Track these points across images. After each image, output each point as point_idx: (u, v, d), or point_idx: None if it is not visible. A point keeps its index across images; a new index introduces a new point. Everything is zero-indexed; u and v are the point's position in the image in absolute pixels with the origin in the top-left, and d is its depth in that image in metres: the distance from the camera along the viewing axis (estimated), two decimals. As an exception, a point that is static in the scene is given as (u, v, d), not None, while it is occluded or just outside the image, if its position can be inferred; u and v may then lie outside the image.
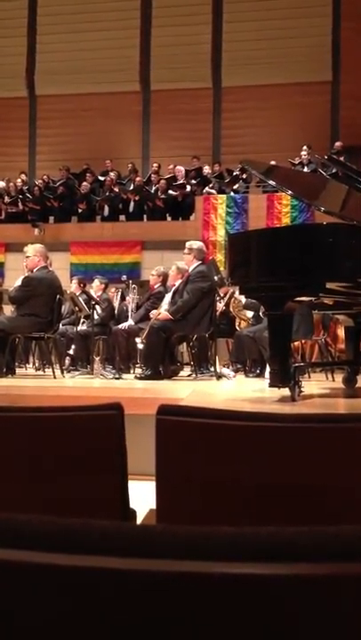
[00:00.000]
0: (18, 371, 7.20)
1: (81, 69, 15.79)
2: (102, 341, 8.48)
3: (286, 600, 0.48)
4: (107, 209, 13.77)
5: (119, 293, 9.74)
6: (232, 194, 13.19)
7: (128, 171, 14.46)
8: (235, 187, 13.29)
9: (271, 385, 4.42)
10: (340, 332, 7.99)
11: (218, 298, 7.52)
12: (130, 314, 8.07)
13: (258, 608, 0.48)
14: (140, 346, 7.18)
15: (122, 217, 13.84)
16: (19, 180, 14.74)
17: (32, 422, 1.51)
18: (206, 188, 13.43)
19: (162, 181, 13.50)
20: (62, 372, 6.99)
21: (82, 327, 8.03)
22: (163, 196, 13.37)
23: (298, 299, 4.38)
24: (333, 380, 6.73)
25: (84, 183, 13.99)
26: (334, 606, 0.48)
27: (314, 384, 6.15)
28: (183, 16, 15.34)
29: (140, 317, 7.62)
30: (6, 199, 14.36)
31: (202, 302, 6.52)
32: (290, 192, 5.40)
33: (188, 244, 6.91)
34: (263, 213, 12.72)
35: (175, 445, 1.32)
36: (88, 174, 14.30)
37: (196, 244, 6.90)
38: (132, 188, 13.78)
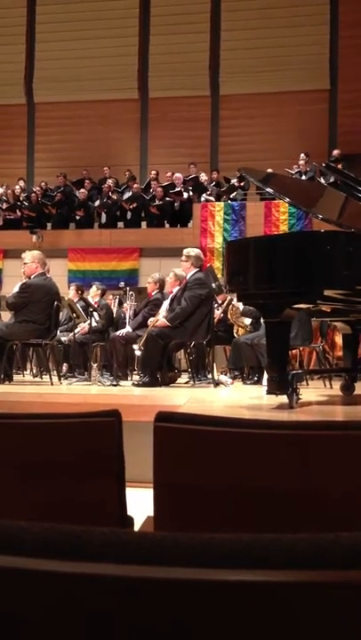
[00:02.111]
0: (15, 377, 7.19)
1: (79, 77, 15.85)
2: (100, 348, 8.48)
3: (285, 607, 0.48)
4: (104, 216, 13.80)
5: (117, 300, 9.74)
6: (230, 201, 13.22)
7: (126, 178, 14.50)
8: (232, 195, 13.33)
9: (269, 392, 4.42)
10: (338, 340, 8.00)
11: (216, 305, 7.53)
12: (127, 320, 8.07)
13: (257, 615, 0.48)
14: (138, 352, 7.18)
15: (120, 224, 13.86)
16: (17, 187, 14.76)
17: (30, 429, 1.51)
18: (204, 195, 13.46)
19: (158, 189, 13.54)
20: (60, 379, 6.98)
21: (84, 324, 8.00)
22: (159, 202, 13.39)
23: (296, 306, 4.38)
24: (331, 388, 6.73)
25: (82, 190, 14.01)
26: (334, 614, 0.48)
27: (312, 391, 6.16)
28: (181, 24, 15.42)
29: (137, 324, 7.61)
30: (4, 206, 14.38)
31: (200, 309, 6.53)
32: (288, 200, 5.42)
33: (185, 252, 6.92)
34: (261, 221, 12.74)
35: (173, 452, 1.32)
36: (87, 181, 14.33)
37: (194, 252, 6.91)
38: (130, 194, 13.80)
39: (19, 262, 7.42)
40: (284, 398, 4.32)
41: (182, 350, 7.37)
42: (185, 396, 5.23)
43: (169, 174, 13.98)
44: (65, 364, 8.24)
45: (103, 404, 4.58)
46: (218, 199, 13.40)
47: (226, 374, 7.87)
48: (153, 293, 7.66)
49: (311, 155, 13.15)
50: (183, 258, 6.86)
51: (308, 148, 13.52)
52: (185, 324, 6.47)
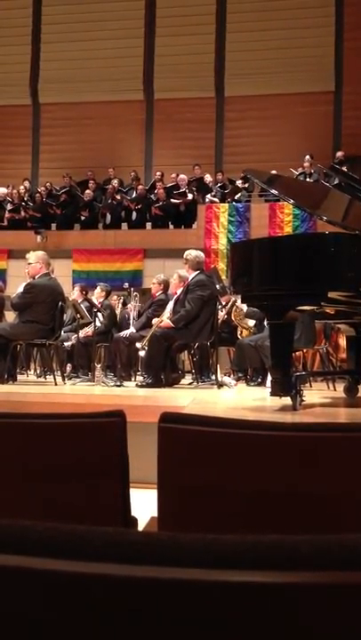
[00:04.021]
0: (19, 377, 7.20)
1: (85, 78, 15.87)
2: (104, 349, 8.49)
3: (289, 609, 0.48)
4: (109, 216, 13.81)
5: (121, 301, 9.75)
6: (234, 202, 13.23)
7: (130, 179, 14.51)
8: (236, 196, 13.33)
9: (273, 394, 4.42)
10: (342, 342, 7.99)
11: (220, 306, 7.52)
12: (131, 321, 8.08)
13: (260, 616, 0.48)
14: (142, 353, 7.19)
15: (124, 225, 13.88)
16: (22, 188, 14.79)
17: (33, 429, 1.51)
18: (208, 196, 13.46)
19: (160, 190, 13.54)
20: (63, 379, 6.99)
21: (87, 329, 8.01)
22: (161, 203, 13.39)
23: (300, 308, 4.38)
24: (335, 390, 6.72)
25: (87, 191, 14.04)
26: (337, 615, 0.48)
27: (315, 393, 6.15)
28: (187, 26, 15.43)
29: (141, 325, 7.62)
30: (9, 206, 14.40)
31: (203, 311, 6.53)
32: (292, 201, 5.41)
33: (185, 254, 6.93)
34: (265, 222, 12.74)
35: (177, 453, 1.32)
36: (91, 182, 14.36)
37: (192, 255, 6.88)
38: (134, 195, 13.82)
39: (23, 262, 7.44)
40: (287, 400, 4.31)
41: (186, 351, 7.38)
42: (188, 398, 5.23)
43: (174, 175, 13.99)
44: (69, 365, 8.25)
45: (107, 405, 4.59)
46: (222, 200, 13.40)
47: (229, 376, 7.87)
48: (157, 294, 7.67)
49: (316, 156, 13.15)
50: (183, 260, 6.90)
51: (312, 149, 13.52)
52: (189, 325, 6.48)
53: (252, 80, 15.13)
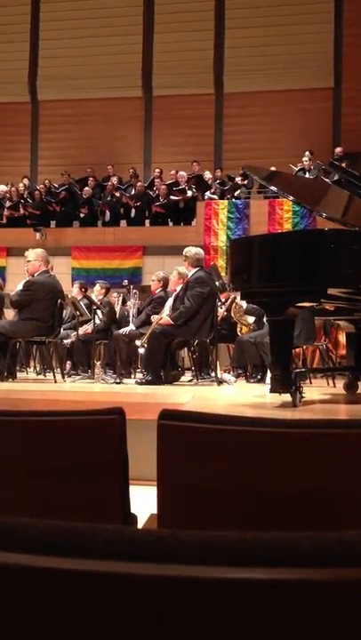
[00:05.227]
0: (18, 375, 7.21)
1: (83, 75, 15.84)
2: (103, 346, 8.48)
3: (289, 605, 0.48)
4: (108, 214, 13.80)
5: (120, 298, 9.75)
6: (233, 199, 13.22)
7: (129, 176, 14.50)
8: (236, 193, 13.32)
9: (272, 390, 4.42)
10: (342, 338, 7.99)
11: (219, 303, 7.52)
12: (131, 319, 8.07)
13: (261, 613, 0.48)
14: (141, 350, 7.18)
15: (123, 222, 13.87)
16: (21, 185, 14.78)
17: (33, 426, 1.51)
18: (207, 194, 13.45)
19: (162, 187, 13.53)
20: (63, 377, 6.99)
21: (87, 326, 8.01)
22: (162, 201, 13.38)
23: (299, 304, 4.38)
24: (335, 386, 6.72)
25: (86, 188, 14.03)
26: (339, 612, 0.48)
27: (315, 390, 6.15)
28: (186, 22, 15.40)
29: (140, 322, 7.62)
30: (8, 203, 14.39)
31: (203, 308, 6.53)
32: (291, 198, 5.41)
33: (184, 251, 6.93)
34: (264, 219, 12.73)
35: (177, 450, 1.32)
36: (90, 179, 14.36)
37: (191, 252, 6.88)
38: (133, 192, 13.81)
39: (22, 260, 7.44)
40: (287, 397, 4.32)
41: (185, 348, 7.38)
42: (188, 395, 5.23)
43: (173, 172, 13.98)
44: (68, 362, 8.25)
45: (106, 402, 4.58)
46: (222, 197, 13.39)
47: (229, 372, 7.87)
48: (156, 291, 7.67)
49: (315, 152, 13.15)
50: (182, 257, 6.90)
51: (312, 146, 13.50)
52: (189, 322, 6.48)
53: (251, 76, 15.11)
